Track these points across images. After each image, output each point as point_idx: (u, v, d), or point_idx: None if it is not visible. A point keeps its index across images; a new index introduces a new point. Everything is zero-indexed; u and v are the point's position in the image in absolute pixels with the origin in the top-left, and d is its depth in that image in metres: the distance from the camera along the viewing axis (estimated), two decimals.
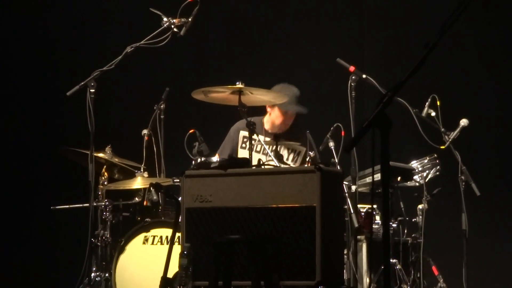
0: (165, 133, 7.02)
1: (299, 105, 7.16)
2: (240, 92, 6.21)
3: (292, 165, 7.07)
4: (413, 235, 6.87)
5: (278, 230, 5.35)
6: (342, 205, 6.09)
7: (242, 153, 7.11)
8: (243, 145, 7.18)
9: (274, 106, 7.14)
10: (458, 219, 6.76)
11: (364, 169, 6.81)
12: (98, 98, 6.46)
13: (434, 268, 6.89)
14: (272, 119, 7.24)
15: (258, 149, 7.10)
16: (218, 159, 5.93)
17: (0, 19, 8.81)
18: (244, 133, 7.16)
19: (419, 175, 6.91)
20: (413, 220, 6.88)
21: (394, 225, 6.78)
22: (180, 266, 5.43)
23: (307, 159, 6.37)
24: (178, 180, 6.18)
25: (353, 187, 6.51)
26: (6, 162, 8.71)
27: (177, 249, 5.58)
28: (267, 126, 7.28)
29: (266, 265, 5.11)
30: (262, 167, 5.86)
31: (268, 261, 5.13)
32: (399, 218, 6.84)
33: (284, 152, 7.10)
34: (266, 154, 6.83)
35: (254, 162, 6.00)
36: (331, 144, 6.65)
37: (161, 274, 5.51)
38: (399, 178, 6.88)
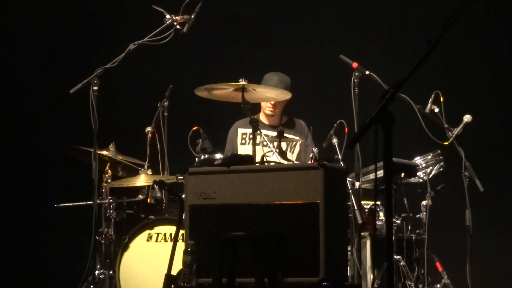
0: (169, 130, 7.03)
1: (282, 88, 7.10)
2: (243, 89, 6.21)
3: (289, 155, 7.09)
4: (417, 232, 6.87)
5: (282, 227, 5.34)
6: (346, 202, 6.08)
7: (242, 149, 7.14)
8: (243, 141, 7.20)
9: None
10: (462, 215, 6.76)
11: (367, 165, 6.81)
12: (101, 96, 6.47)
13: (438, 264, 6.88)
14: (261, 105, 7.30)
15: (257, 142, 7.11)
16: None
17: (4, 18, 8.82)
18: (242, 130, 7.21)
19: (423, 171, 6.90)
20: (417, 216, 6.88)
21: (398, 221, 6.78)
22: (184, 263, 5.44)
23: (311, 156, 6.38)
24: (181, 178, 6.19)
25: (357, 184, 6.52)
26: (10, 160, 8.71)
27: (181, 246, 5.58)
28: (262, 118, 7.33)
29: (269, 262, 5.11)
30: (266, 164, 5.87)
31: (272, 258, 5.13)
32: (403, 215, 6.84)
33: (283, 146, 7.13)
34: (265, 146, 6.83)
35: (258, 156, 6.00)
36: (335, 140, 6.66)
37: (165, 271, 5.51)
38: (402, 175, 6.88)
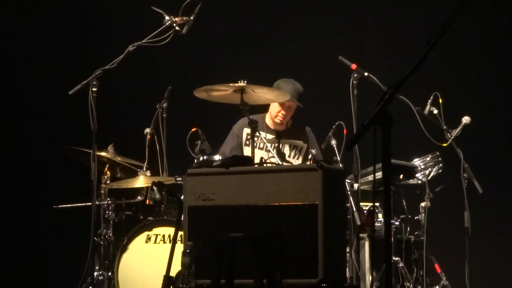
0: (168, 131, 7.03)
1: (296, 99, 7.10)
2: (242, 90, 6.21)
3: (294, 161, 7.07)
4: (415, 233, 6.88)
5: (281, 228, 5.34)
6: (344, 203, 6.08)
7: (247, 151, 7.11)
8: (247, 143, 7.18)
9: None
10: (460, 217, 6.76)
11: (366, 167, 6.81)
12: (100, 97, 6.46)
13: (436, 266, 6.89)
14: (270, 111, 7.24)
15: (260, 146, 7.10)
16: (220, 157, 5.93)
17: (5, 19, 8.81)
18: (247, 131, 7.16)
19: (422, 173, 6.90)
20: (415, 218, 6.89)
21: (397, 223, 6.79)
22: (183, 264, 5.43)
23: (309, 157, 6.37)
24: (180, 179, 6.18)
25: (355, 185, 6.52)
26: (9, 161, 8.71)
27: (179, 247, 5.57)
28: (268, 122, 7.28)
29: (268, 263, 5.11)
30: (264, 165, 5.86)
31: (271, 259, 5.13)
32: (402, 216, 6.85)
33: (286, 150, 7.09)
34: (268, 151, 6.83)
35: (257, 159, 5.99)
36: (333, 142, 6.66)
37: (164, 272, 5.51)
38: (401, 176, 6.88)
